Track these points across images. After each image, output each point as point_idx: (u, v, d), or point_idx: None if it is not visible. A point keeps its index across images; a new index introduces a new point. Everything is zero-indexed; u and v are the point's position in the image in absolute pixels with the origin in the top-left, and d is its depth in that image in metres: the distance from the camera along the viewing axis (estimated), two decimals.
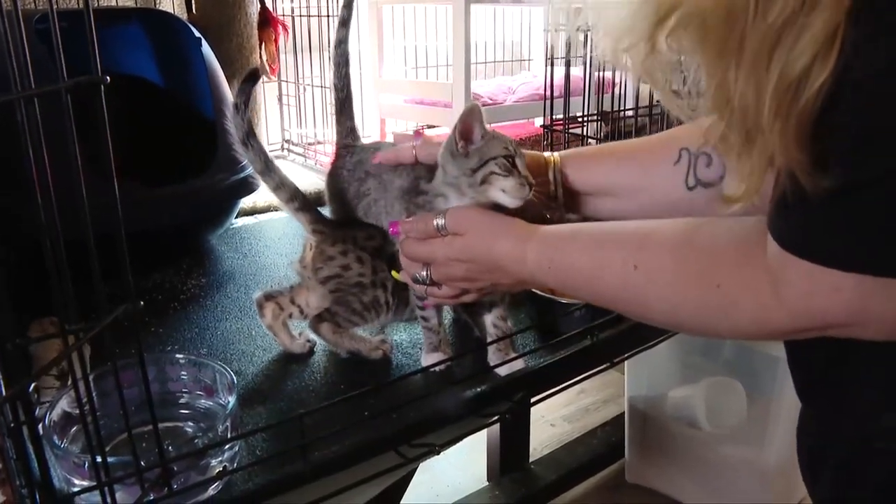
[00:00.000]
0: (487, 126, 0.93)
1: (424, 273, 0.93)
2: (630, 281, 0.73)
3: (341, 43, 1.11)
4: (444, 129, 2.73)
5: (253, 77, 0.99)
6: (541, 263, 0.82)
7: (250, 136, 1.01)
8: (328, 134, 2.37)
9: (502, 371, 1.02)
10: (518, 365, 1.02)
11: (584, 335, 1.09)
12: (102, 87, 0.51)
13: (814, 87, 0.53)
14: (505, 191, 0.90)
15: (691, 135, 0.94)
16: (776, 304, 0.62)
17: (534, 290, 1.19)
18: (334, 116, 1.15)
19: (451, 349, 1.05)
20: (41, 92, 0.49)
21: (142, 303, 0.60)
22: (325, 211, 1.13)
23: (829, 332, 0.62)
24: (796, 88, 0.54)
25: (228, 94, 1.61)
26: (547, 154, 1.04)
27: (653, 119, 1.71)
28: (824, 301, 0.59)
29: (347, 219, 1.12)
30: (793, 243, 0.60)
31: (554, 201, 1.02)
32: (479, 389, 0.98)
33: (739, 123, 0.59)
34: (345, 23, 1.11)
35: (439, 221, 0.89)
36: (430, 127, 2.63)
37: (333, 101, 1.14)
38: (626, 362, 2.15)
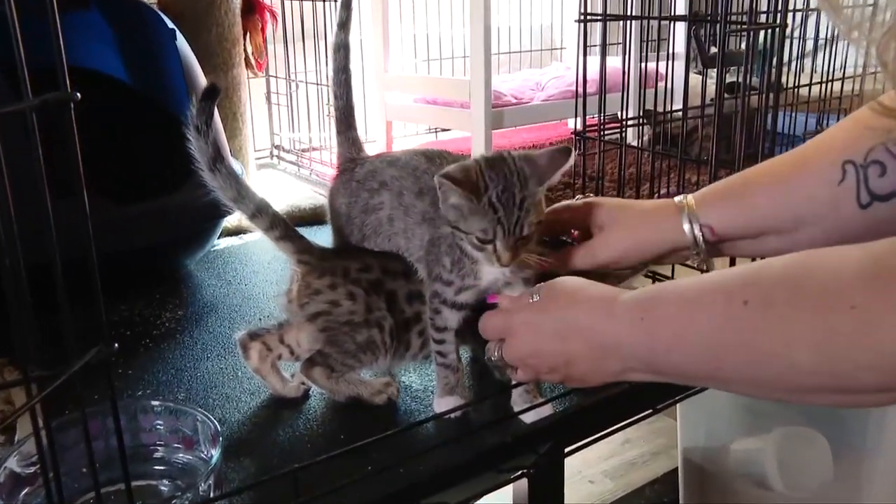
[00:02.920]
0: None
1: (495, 351, 0.96)
2: (736, 319, 0.72)
3: (340, 48, 1.15)
4: (459, 134, 2.76)
5: (212, 93, 1.02)
6: (633, 317, 0.81)
7: (218, 161, 1.04)
8: (325, 139, 2.40)
9: (528, 418, 1.04)
10: (545, 411, 1.05)
11: None
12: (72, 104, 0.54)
13: None
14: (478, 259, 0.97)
15: (848, 143, 0.94)
16: None
17: None
18: (335, 127, 1.20)
19: (468, 393, 1.08)
20: (4, 112, 0.52)
21: (116, 345, 0.62)
22: (324, 233, 1.16)
23: None
24: None
25: None
26: (678, 199, 1.05)
27: (705, 120, 1.74)
28: None
29: (341, 248, 1.15)
30: None
31: (696, 255, 1.04)
32: (500, 440, 1.00)
33: None
34: (343, 25, 1.15)
35: (535, 297, 0.93)
36: (443, 131, 2.66)
37: (333, 111, 1.19)
38: (678, 407, 2.16)
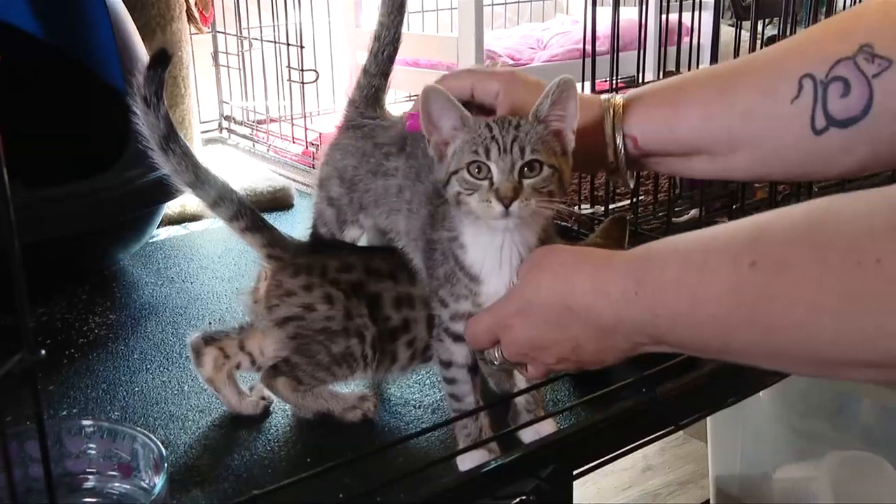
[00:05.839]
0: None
1: (496, 353, 0.97)
2: (745, 285, 0.73)
3: None
4: None
5: (162, 59, 1.03)
6: (626, 291, 0.83)
7: (171, 139, 1.05)
8: (285, 108, 2.40)
9: (526, 436, 1.06)
10: (547, 428, 1.07)
11: (637, 387, 1.12)
12: None
13: None
14: (477, 215, 0.92)
15: (810, 52, 0.93)
16: None
17: None
18: (365, 65, 1.20)
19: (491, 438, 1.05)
20: None
21: (43, 351, 0.63)
22: (285, 220, 1.17)
23: None
24: None
25: (142, 52, 1.62)
26: (605, 97, 1.04)
27: None
28: None
29: (318, 242, 1.17)
30: None
31: (615, 173, 1.03)
32: (493, 461, 1.02)
33: None
34: None
35: (515, 280, 0.94)
36: None
37: (372, 48, 1.18)
38: (709, 427, 2.17)
